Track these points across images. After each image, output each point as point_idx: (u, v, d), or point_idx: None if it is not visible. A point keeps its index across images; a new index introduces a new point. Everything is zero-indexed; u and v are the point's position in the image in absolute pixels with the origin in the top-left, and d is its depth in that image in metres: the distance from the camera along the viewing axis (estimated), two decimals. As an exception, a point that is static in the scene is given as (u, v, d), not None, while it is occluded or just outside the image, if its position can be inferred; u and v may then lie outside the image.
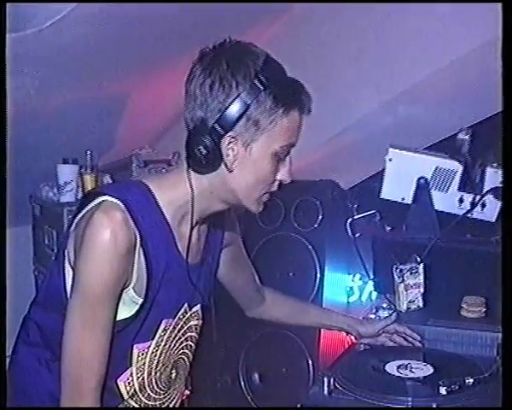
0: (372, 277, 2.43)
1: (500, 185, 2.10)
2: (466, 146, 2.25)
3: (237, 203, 1.44)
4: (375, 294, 2.78)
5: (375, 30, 2.45)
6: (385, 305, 2.21)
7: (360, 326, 1.93)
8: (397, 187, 2.29)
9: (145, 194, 1.41)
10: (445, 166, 2.22)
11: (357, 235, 2.58)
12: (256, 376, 2.71)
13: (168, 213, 1.41)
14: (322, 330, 2.59)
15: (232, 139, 1.35)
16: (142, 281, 1.38)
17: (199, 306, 1.57)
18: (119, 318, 1.38)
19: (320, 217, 2.67)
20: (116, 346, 1.39)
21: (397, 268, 2.03)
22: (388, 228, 2.49)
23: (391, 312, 2.06)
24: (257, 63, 1.34)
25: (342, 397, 1.56)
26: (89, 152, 2.87)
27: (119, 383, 1.44)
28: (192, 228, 1.45)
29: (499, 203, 2.12)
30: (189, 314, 1.54)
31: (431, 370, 1.65)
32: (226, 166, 1.36)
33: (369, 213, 2.60)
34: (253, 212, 1.46)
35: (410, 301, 2.03)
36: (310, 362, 2.60)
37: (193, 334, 1.59)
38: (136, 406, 1.48)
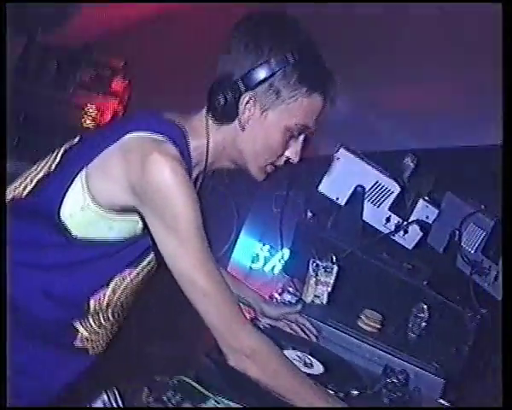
0: (285, 256, 2.54)
1: (426, 220, 2.25)
2: (408, 172, 2.38)
3: (243, 165, 1.50)
4: (277, 268, 2.91)
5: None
6: (291, 289, 2.32)
7: (265, 305, 2.02)
8: (335, 186, 2.39)
9: (181, 134, 1.45)
10: (384, 183, 2.34)
11: (277, 210, 2.67)
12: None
13: (192, 156, 1.46)
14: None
15: (251, 99, 1.41)
16: None
17: None
18: (121, 237, 1.43)
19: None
20: (108, 267, 1.45)
21: (314, 262, 2.14)
22: (310, 214, 2.60)
23: (296, 299, 2.18)
24: (295, 38, 1.41)
25: (236, 373, 1.65)
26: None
27: (90, 300, 1.47)
28: (204, 176, 1.52)
29: (420, 235, 2.28)
30: None
31: (321, 369, 1.78)
32: (240, 122, 1.42)
33: (297, 192, 2.71)
34: (256, 178, 1.52)
35: (315, 296, 2.15)
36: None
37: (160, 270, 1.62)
38: (90, 324, 1.51)
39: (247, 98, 1.41)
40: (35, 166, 1.52)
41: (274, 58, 1.38)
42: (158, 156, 1.35)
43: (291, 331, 2.00)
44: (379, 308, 2.12)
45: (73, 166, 1.43)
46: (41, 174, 1.50)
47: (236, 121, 1.43)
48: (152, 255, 1.51)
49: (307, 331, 1.99)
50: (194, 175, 1.50)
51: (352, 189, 2.36)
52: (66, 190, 1.40)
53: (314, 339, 1.99)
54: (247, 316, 1.93)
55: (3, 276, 1.35)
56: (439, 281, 2.11)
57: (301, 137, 1.48)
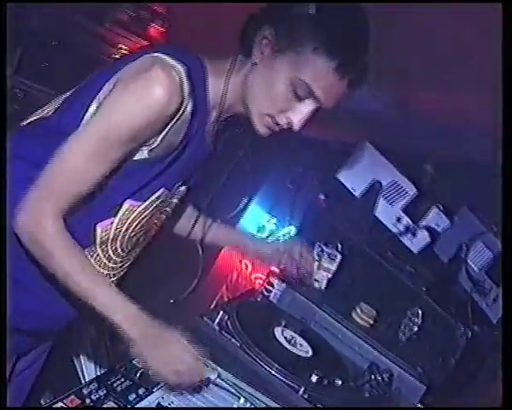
0: (290, 232, 2.56)
1: (436, 228, 2.26)
2: (427, 177, 2.38)
3: (248, 110, 1.46)
4: (280, 242, 2.93)
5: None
6: (292, 268, 2.34)
7: (259, 244, 2.00)
8: (353, 176, 2.40)
9: (199, 67, 1.43)
10: (401, 182, 2.35)
11: (292, 186, 2.69)
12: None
13: (209, 94, 1.45)
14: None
15: (268, 35, 1.38)
16: (165, 146, 1.41)
17: (186, 187, 1.61)
18: (131, 158, 1.40)
19: (271, 154, 2.75)
20: (111, 194, 1.43)
21: (319, 246, 2.15)
22: (323, 197, 2.61)
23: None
24: (339, 10, 1.37)
25: (227, 340, 1.69)
26: None
27: (97, 228, 1.47)
28: (220, 115, 1.48)
29: (428, 241, 2.29)
30: (178, 190, 1.58)
31: (310, 353, 1.81)
32: (253, 57, 1.40)
33: (315, 174, 2.72)
34: (257, 129, 1.48)
35: (315, 279, 2.17)
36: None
37: (169, 210, 1.62)
38: (98, 255, 1.52)
39: (264, 32, 1.39)
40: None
41: (304, 5, 1.35)
42: (158, 72, 1.32)
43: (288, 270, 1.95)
44: (375, 304, 2.15)
45: (95, 85, 1.42)
46: (67, 94, 1.51)
47: (252, 57, 1.41)
48: (161, 191, 1.50)
49: (305, 267, 1.95)
50: (212, 117, 1.48)
51: (369, 182, 2.37)
52: (86, 109, 1.40)
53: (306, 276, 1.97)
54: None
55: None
56: (438, 290, 2.13)
57: (308, 104, 1.41)
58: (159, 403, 1.39)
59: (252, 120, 1.46)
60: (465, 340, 1.98)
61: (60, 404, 1.25)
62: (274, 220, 2.94)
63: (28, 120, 1.53)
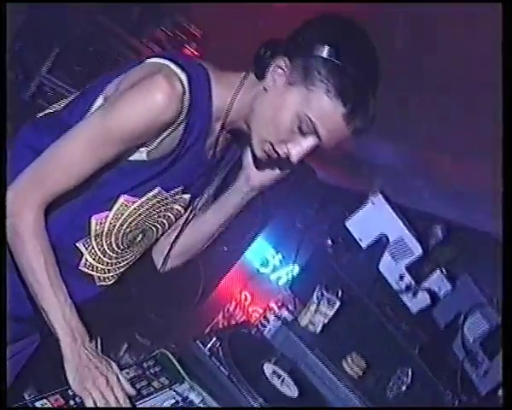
0: (293, 271, 2.58)
1: (437, 292, 2.28)
2: (434, 240, 2.40)
3: (250, 131, 1.48)
4: (282, 280, 2.96)
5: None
6: (290, 307, 2.36)
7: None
8: (362, 226, 2.41)
9: (204, 77, 1.46)
10: (408, 241, 2.37)
11: (301, 226, 2.71)
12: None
13: (214, 105, 1.47)
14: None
15: (283, 66, 1.41)
16: (162, 150, 1.45)
17: (189, 196, 1.63)
18: (127, 158, 1.44)
19: (285, 192, 2.78)
20: (107, 188, 1.47)
21: (320, 290, 2.18)
22: (330, 242, 2.63)
23: (291, 318, 2.21)
24: (354, 45, 1.41)
25: (216, 367, 1.69)
26: None
27: (92, 220, 1.50)
28: (223, 127, 1.50)
29: (427, 303, 2.30)
30: (178, 197, 1.60)
31: (296, 394, 1.82)
32: (265, 82, 1.43)
33: (324, 218, 2.75)
34: (255, 152, 1.50)
35: (311, 322, 2.19)
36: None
37: (172, 216, 1.65)
38: (93, 248, 1.54)
39: (280, 62, 1.42)
40: None
41: (323, 43, 1.38)
42: (161, 79, 1.35)
43: None
44: (366, 356, 2.15)
45: (101, 83, 1.48)
46: (79, 93, 1.56)
47: (263, 82, 1.44)
48: (157, 190, 1.53)
49: None
50: (216, 131, 1.51)
51: (377, 236, 2.39)
52: (89, 107, 1.44)
53: None
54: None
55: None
56: (431, 354, 2.13)
57: (309, 140, 1.43)
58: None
59: (251, 142, 1.49)
60: (452, 408, 1.98)
61: (43, 401, 1.26)
62: (279, 257, 2.96)
63: (43, 113, 1.59)
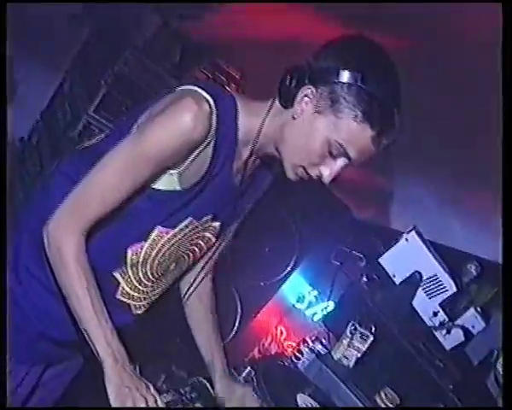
0: (328, 307, 2.62)
1: (471, 330, 2.29)
2: (468, 278, 2.42)
3: (280, 156, 1.54)
4: (317, 316, 2.99)
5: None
6: (324, 341, 2.39)
7: (218, 381, 1.79)
8: (395, 263, 2.44)
9: (231, 104, 1.53)
10: (442, 279, 2.39)
11: (337, 262, 2.76)
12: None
13: (240, 131, 1.53)
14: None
15: (309, 95, 1.46)
16: (192, 176, 1.52)
17: (219, 223, 1.68)
18: (161, 188, 1.51)
19: (321, 229, 2.84)
20: (142, 219, 1.54)
21: (353, 324, 2.21)
22: (365, 279, 2.67)
23: (325, 352, 2.25)
24: (377, 68, 1.46)
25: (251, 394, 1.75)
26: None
27: (128, 250, 1.58)
28: (252, 153, 1.57)
29: (461, 340, 2.31)
30: (208, 224, 1.66)
31: (328, 425, 1.86)
32: (293, 111, 1.48)
33: (359, 254, 2.79)
34: (288, 175, 1.55)
35: (344, 356, 2.22)
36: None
37: (202, 244, 1.71)
38: (129, 277, 1.62)
39: (306, 91, 1.46)
40: None
41: (347, 69, 1.43)
42: (189, 101, 1.42)
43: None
44: (399, 391, 2.17)
45: (136, 113, 1.54)
46: (114, 125, 1.67)
47: (292, 110, 1.49)
48: (189, 220, 1.59)
49: None
50: (244, 156, 1.57)
51: (411, 272, 2.41)
52: (124, 137, 1.49)
53: None
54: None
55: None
56: (464, 390, 2.14)
57: (340, 162, 1.49)
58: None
59: (284, 167, 1.54)
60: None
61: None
62: (315, 293, 3.00)
63: (82, 146, 1.69)
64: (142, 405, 1.40)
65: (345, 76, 1.43)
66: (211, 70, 3.41)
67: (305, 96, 1.48)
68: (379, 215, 3.03)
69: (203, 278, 1.83)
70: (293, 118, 1.50)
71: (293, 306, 3.07)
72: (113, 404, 1.41)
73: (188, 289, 1.84)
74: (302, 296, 3.06)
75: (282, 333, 3.05)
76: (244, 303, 2.86)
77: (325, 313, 2.88)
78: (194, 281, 1.83)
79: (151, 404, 1.42)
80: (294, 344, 2.94)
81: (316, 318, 2.98)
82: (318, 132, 1.47)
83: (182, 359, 2.85)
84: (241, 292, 2.87)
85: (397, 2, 2.38)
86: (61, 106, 3.49)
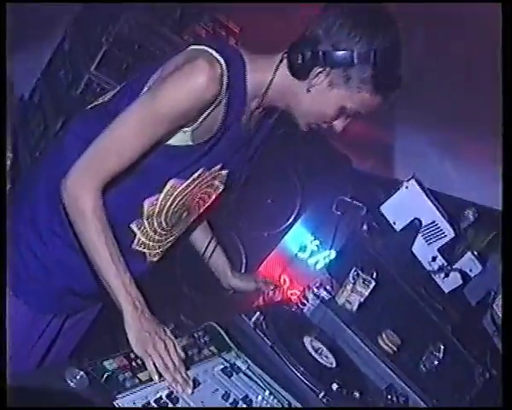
0: (330, 256, 2.70)
1: (469, 273, 2.38)
2: (466, 223, 2.50)
3: (292, 115, 1.68)
4: (319, 265, 3.08)
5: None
6: (328, 287, 2.48)
7: (232, 277, 2.16)
8: (396, 211, 2.52)
9: (240, 62, 1.62)
10: (441, 224, 2.47)
11: (338, 212, 2.83)
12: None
13: (247, 86, 1.63)
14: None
15: (323, 72, 1.57)
16: (204, 132, 1.61)
17: (227, 171, 1.78)
18: (175, 144, 1.60)
19: (322, 180, 2.91)
20: (157, 173, 1.63)
21: (356, 271, 2.30)
22: (365, 228, 2.75)
23: (329, 297, 2.34)
24: (385, 39, 1.55)
25: (260, 338, 1.84)
26: None
27: (144, 203, 1.67)
28: (259, 105, 1.66)
29: (459, 283, 2.41)
30: (217, 173, 1.76)
31: (334, 365, 1.95)
32: (308, 84, 1.59)
33: (359, 204, 2.87)
34: (300, 127, 1.70)
35: (348, 301, 2.31)
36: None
37: (212, 191, 1.81)
38: (145, 228, 1.71)
39: (321, 69, 1.57)
40: None
41: (360, 51, 1.53)
42: (203, 62, 1.50)
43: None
44: (400, 333, 2.26)
45: (146, 74, 1.64)
46: (124, 83, 1.74)
47: (305, 82, 1.60)
48: (201, 170, 1.68)
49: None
50: (251, 108, 1.67)
51: (410, 219, 2.49)
52: (135, 96, 1.59)
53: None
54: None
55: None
56: (462, 330, 2.24)
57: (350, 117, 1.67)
58: (193, 380, 1.54)
59: (297, 121, 1.68)
60: (482, 380, 2.09)
61: (110, 360, 1.42)
62: (317, 242, 3.10)
63: (91, 106, 1.75)
64: (162, 348, 1.50)
65: (356, 57, 1.53)
66: (211, 25, 3.43)
67: (320, 72, 1.57)
68: (379, 166, 3.10)
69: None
70: (308, 90, 1.58)
71: (296, 255, 3.16)
72: (135, 349, 1.50)
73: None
74: (304, 246, 3.15)
75: (285, 282, 3.14)
76: (248, 253, 2.95)
77: (327, 261, 2.97)
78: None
79: (169, 347, 1.52)
80: (298, 292, 3.04)
81: (318, 266, 3.07)
82: (334, 103, 1.61)
83: (189, 309, 2.96)
84: (245, 243, 2.96)
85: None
86: (63, 64, 3.52)
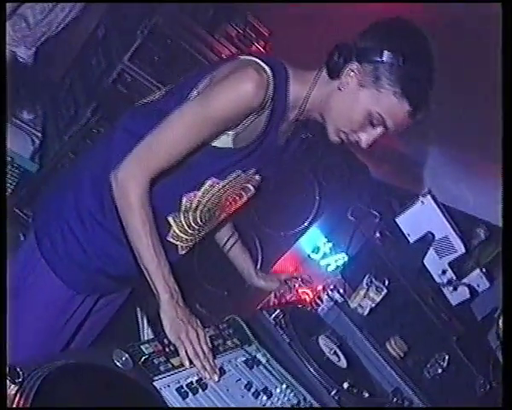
0: (341, 260, 2.81)
1: (476, 288, 2.50)
2: (477, 240, 2.62)
3: (324, 121, 1.76)
4: (331, 267, 3.20)
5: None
6: (341, 290, 2.59)
7: (255, 276, 2.23)
8: (411, 223, 2.64)
9: (284, 73, 1.73)
10: (453, 240, 2.59)
11: (353, 218, 2.95)
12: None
13: (289, 97, 1.73)
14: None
15: (355, 70, 1.66)
16: (246, 137, 1.71)
17: (260, 176, 1.89)
18: (217, 145, 1.71)
19: (340, 186, 3.02)
20: (197, 170, 1.74)
21: (369, 277, 2.41)
22: (378, 235, 2.87)
23: (342, 300, 2.45)
24: (415, 49, 1.65)
25: (279, 334, 1.96)
26: None
27: (183, 197, 1.78)
28: (298, 117, 1.77)
29: (467, 297, 2.53)
30: (251, 177, 1.86)
31: (345, 365, 2.07)
32: (340, 83, 1.68)
33: (374, 212, 2.98)
34: (330, 138, 1.77)
35: (360, 305, 2.43)
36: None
37: (244, 194, 1.90)
38: (180, 221, 1.82)
39: (352, 67, 1.67)
40: None
41: (390, 50, 1.62)
42: (252, 71, 1.61)
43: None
44: (408, 340, 2.37)
45: (196, 78, 1.74)
46: (174, 85, 1.85)
47: (338, 81, 1.69)
48: (238, 173, 1.78)
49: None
50: (290, 119, 1.77)
51: (424, 233, 2.61)
52: (187, 96, 1.70)
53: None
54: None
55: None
56: (467, 342, 2.35)
57: (378, 130, 1.71)
58: (219, 368, 1.65)
59: (328, 130, 1.76)
60: (483, 392, 2.21)
61: (146, 345, 1.54)
62: (330, 245, 3.21)
63: (141, 102, 1.87)
64: (194, 336, 1.61)
65: (387, 56, 1.63)
66: (242, 26, 3.52)
67: (351, 70, 1.67)
68: (396, 177, 3.21)
69: None
70: (340, 89, 1.69)
71: (309, 256, 3.28)
72: (169, 334, 1.61)
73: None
74: (317, 247, 3.27)
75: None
76: (264, 251, 3.07)
77: (339, 264, 3.09)
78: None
79: (200, 336, 1.63)
80: (308, 292, 3.16)
81: (330, 268, 3.19)
82: (361, 103, 1.68)
83: (204, 299, 3.08)
84: (262, 241, 3.07)
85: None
86: (95, 52, 3.62)
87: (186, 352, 1.60)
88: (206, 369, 1.59)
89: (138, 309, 2.31)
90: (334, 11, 3.31)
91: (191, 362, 1.59)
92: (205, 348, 1.63)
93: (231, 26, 3.56)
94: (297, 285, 2.27)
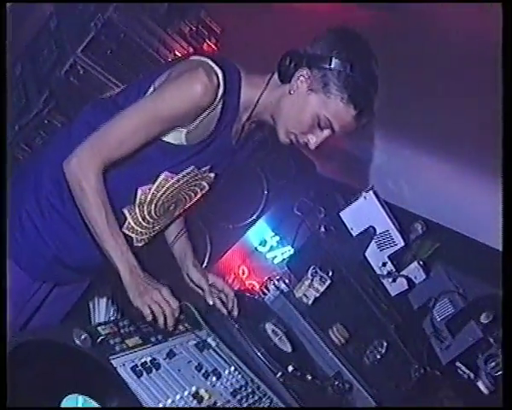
0: (287, 252, 2.92)
1: (414, 280, 2.65)
2: (414, 235, 2.77)
3: (275, 123, 1.86)
4: (277, 260, 3.31)
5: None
6: (287, 281, 2.70)
7: (191, 267, 2.18)
8: (354, 217, 2.76)
9: (237, 76, 1.83)
10: (393, 234, 2.72)
11: (299, 213, 3.07)
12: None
13: (242, 99, 1.83)
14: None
15: (304, 75, 1.78)
16: (198, 134, 1.80)
17: (214, 174, 1.97)
18: (169, 141, 1.79)
19: (287, 182, 3.13)
20: (152, 164, 1.82)
21: (314, 268, 2.53)
22: (323, 229, 2.99)
23: (287, 290, 2.56)
24: (362, 60, 1.76)
25: (229, 321, 2.06)
26: None
27: (138, 190, 1.86)
28: (249, 118, 1.86)
29: (405, 288, 2.67)
30: (206, 174, 1.95)
31: (290, 350, 2.18)
32: (290, 86, 1.79)
33: (319, 207, 3.10)
34: (280, 139, 1.88)
35: (304, 295, 2.54)
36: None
37: (198, 190, 1.99)
38: (135, 214, 1.89)
39: (302, 72, 1.78)
40: None
41: (338, 58, 1.74)
42: (202, 72, 1.71)
43: (210, 301, 2.09)
44: (349, 328, 2.51)
45: (152, 75, 1.83)
46: (132, 82, 1.95)
47: (288, 85, 1.80)
48: (191, 168, 1.87)
49: (227, 304, 2.10)
50: (242, 120, 1.87)
51: (366, 227, 2.74)
52: (144, 93, 1.79)
53: (233, 312, 2.10)
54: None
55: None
56: (404, 330, 2.50)
57: (325, 132, 1.83)
58: (171, 350, 1.74)
59: (278, 132, 1.86)
60: (417, 375, 2.36)
61: (103, 326, 1.61)
62: (276, 238, 3.32)
63: (101, 97, 1.94)
64: (158, 296, 1.72)
65: (336, 64, 1.75)
66: (195, 23, 3.59)
67: (302, 75, 1.78)
68: (340, 174, 3.34)
69: None
70: (290, 93, 1.79)
71: (256, 249, 3.38)
72: (134, 301, 1.71)
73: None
74: (264, 241, 3.37)
75: (244, 272, 3.37)
76: (213, 242, 3.15)
77: (285, 256, 3.20)
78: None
79: (165, 294, 1.74)
80: (255, 283, 3.27)
81: (276, 261, 3.30)
82: (310, 107, 1.79)
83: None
84: (211, 233, 3.16)
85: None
86: (47, 43, 3.62)
87: (152, 312, 1.71)
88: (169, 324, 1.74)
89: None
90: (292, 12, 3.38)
91: (156, 322, 1.71)
92: (171, 301, 1.74)
93: (184, 23, 3.62)
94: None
